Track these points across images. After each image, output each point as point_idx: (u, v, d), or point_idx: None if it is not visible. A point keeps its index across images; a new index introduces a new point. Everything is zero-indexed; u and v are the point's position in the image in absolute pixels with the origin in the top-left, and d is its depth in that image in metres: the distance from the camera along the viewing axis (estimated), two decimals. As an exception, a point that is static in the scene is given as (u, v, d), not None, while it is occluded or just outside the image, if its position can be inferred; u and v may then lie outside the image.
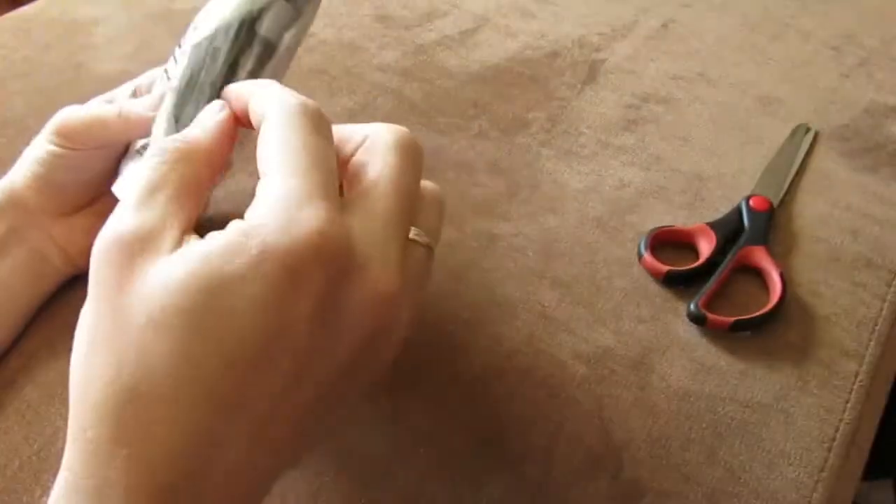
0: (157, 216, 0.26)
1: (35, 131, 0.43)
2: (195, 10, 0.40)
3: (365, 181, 0.27)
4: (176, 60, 0.43)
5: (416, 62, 0.65)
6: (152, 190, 0.27)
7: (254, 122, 0.29)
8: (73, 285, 0.47)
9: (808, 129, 0.59)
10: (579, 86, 0.63)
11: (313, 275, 0.24)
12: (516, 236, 0.51)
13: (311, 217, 0.24)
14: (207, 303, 0.23)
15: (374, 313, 0.26)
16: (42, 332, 0.45)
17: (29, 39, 0.67)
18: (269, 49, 0.34)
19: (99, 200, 0.46)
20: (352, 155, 0.29)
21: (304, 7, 0.36)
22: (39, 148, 0.42)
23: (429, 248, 0.29)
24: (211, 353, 0.23)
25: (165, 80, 0.43)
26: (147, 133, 0.42)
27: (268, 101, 0.28)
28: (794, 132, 0.59)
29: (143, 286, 0.24)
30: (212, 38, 0.35)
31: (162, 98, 0.40)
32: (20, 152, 0.44)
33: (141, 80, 0.46)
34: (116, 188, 0.44)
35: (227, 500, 0.25)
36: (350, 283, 0.25)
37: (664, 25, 0.70)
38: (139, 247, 0.25)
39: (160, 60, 0.46)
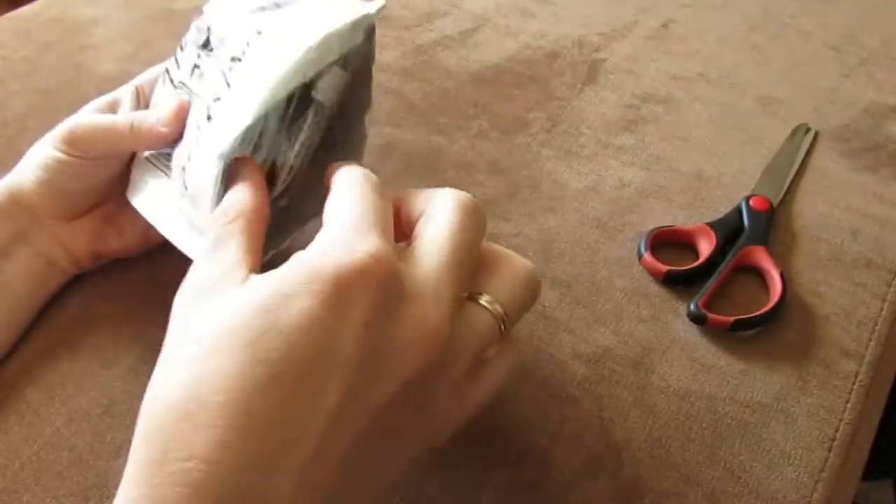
0: (226, 261, 0.28)
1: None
2: (195, 10, 0.40)
3: (424, 235, 0.29)
4: (178, 64, 0.42)
5: (416, 62, 0.65)
6: (217, 246, 0.29)
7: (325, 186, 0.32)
8: (73, 287, 0.47)
9: (808, 129, 0.59)
10: (579, 86, 0.63)
11: (362, 296, 0.25)
12: (516, 236, 0.51)
13: (362, 242, 0.26)
14: (258, 319, 0.25)
15: (421, 349, 0.26)
16: (42, 333, 0.45)
17: (29, 39, 0.67)
18: (323, 109, 0.34)
19: (105, 204, 0.46)
20: (418, 217, 0.31)
21: (358, 68, 0.35)
22: (45, 154, 0.42)
23: (496, 317, 0.29)
24: (259, 368, 0.24)
25: (168, 85, 0.43)
26: (156, 147, 0.41)
27: (340, 168, 0.32)
28: (794, 132, 0.59)
29: (209, 313, 0.26)
30: (264, 104, 0.35)
31: (180, 112, 0.39)
32: (20, 152, 0.44)
33: (142, 79, 0.46)
34: (132, 196, 0.44)
35: None
36: (398, 312, 0.26)
37: (664, 25, 0.70)
38: (209, 284, 0.28)
39: (160, 60, 0.46)
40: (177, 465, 0.23)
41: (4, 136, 0.57)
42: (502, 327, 0.30)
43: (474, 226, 0.30)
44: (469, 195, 0.30)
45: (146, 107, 0.45)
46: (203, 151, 0.37)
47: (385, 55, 0.65)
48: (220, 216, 0.31)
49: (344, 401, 0.25)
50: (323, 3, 0.37)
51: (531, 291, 0.31)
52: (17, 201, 0.43)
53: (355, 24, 0.34)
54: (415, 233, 0.30)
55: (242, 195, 0.32)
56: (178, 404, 0.24)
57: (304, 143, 0.34)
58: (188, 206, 0.39)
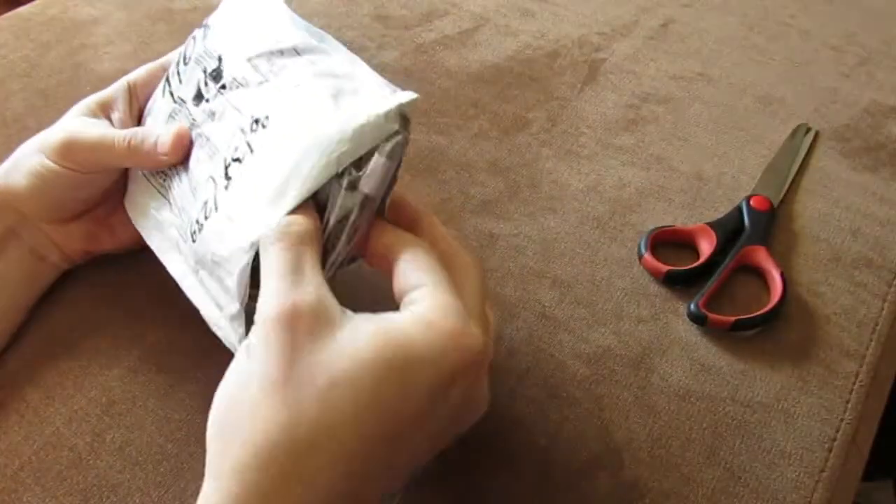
0: (314, 290, 0.30)
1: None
2: (195, 10, 0.40)
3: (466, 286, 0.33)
4: (180, 78, 0.41)
5: (416, 62, 0.65)
6: (296, 269, 0.30)
7: (442, 251, 0.34)
8: (73, 288, 0.47)
9: (808, 129, 0.59)
10: (579, 86, 0.63)
11: (467, 381, 0.30)
12: (516, 236, 0.51)
13: (476, 337, 0.29)
14: (389, 377, 0.28)
15: (484, 391, 0.32)
16: (42, 333, 0.45)
17: (28, 39, 0.67)
18: (369, 201, 0.34)
19: (98, 207, 0.46)
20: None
21: (400, 155, 0.34)
22: (38, 163, 0.41)
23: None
24: (381, 420, 0.28)
25: (167, 97, 0.42)
26: (156, 169, 0.41)
27: (404, 249, 0.33)
28: (794, 132, 0.59)
29: (324, 352, 0.28)
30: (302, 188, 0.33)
31: (180, 142, 0.39)
32: (20, 152, 0.44)
33: (136, 75, 0.45)
34: (131, 213, 0.43)
35: None
36: (478, 390, 0.32)
37: (664, 25, 0.70)
38: (312, 317, 0.29)
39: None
40: (288, 494, 0.27)
41: (4, 136, 0.57)
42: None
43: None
44: (478, 264, 0.34)
45: (140, 107, 0.45)
46: (230, 222, 0.35)
47: (385, 55, 0.65)
48: (281, 238, 0.31)
49: (418, 454, 0.30)
50: (346, 69, 0.36)
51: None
52: (7, 202, 0.42)
53: (388, 116, 0.33)
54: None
55: (297, 221, 0.32)
56: (303, 438, 0.27)
57: (350, 234, 0.34)
58: (189, 254, 0.38)
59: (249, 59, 0.37)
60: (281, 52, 0.37)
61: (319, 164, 0.32)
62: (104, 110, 0.44)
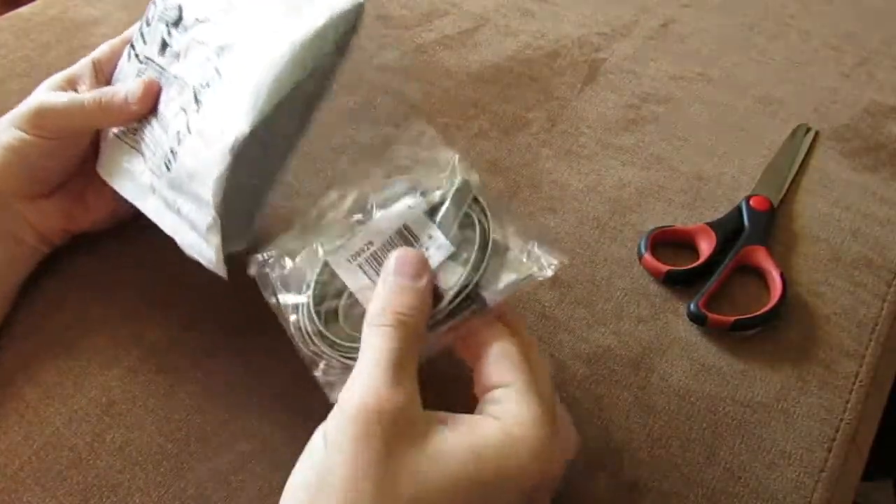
0: (412, 392, 0.29)
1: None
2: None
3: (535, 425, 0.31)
4: (144, 39, 0.42)
5: (416, 62, 0.65)
6: (402, 366, 0.30)
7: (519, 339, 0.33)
8: (72, 288, 0.47)
9: (808, 129, 0.59)
10: (579, 86, 0.63)
11: (546, 492, 0.30)
12: (516, 236, 0.51)
13: (558, 458, 0.30)
14: (475, 496, 0.27)
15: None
16: (41, 333, 0.45)
17: (28, 39, 0.67)
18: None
19: (71, 182, 0.46)
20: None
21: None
22: (11, 135, 0.42)
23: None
24: None
25: (133, 61, 0.43)
26: (125, 123, 0.42)
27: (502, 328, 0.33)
28: (794, 132, 0.59)
29: (410, 463, 0.27)
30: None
31: (150, 90, 0.40)
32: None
33: (100, 52, 0.46)
34: (106, 175, 0.44)
35: None
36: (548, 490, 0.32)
37: (664, 25, 0.70)
38: (407, 421, 0.28)
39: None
40: None
41: (4, 136, 0.57)
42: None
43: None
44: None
45: (106, 81, 0.45)
46: (201, 137, 0.37)
47: (385, 55, 0.65)
48: (399, 326, 0.31)
49: None
50: None
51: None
52: None
53: (349, 11, 0.36)
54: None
55: (414, 305, 0.32)
56: None
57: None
58: (165, 186, 0.39)
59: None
60: None
61: (285, 70, 0.35)
62: (71, 85, 0.44)
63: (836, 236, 0.52)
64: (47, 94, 0.43)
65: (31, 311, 0.46)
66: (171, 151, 0.38)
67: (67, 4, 0.71)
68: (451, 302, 0.33)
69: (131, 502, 0.38)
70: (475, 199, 0.35)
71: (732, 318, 0.45)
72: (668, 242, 0.50)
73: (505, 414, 0.30)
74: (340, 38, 0.38)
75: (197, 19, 0.39)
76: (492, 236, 0.34)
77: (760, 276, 0.49)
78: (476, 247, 0.34)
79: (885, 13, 0.73)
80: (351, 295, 0.34)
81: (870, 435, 0.45)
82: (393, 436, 0.27)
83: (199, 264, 0.39)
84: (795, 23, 0.71)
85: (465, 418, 0.30)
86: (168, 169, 0.38)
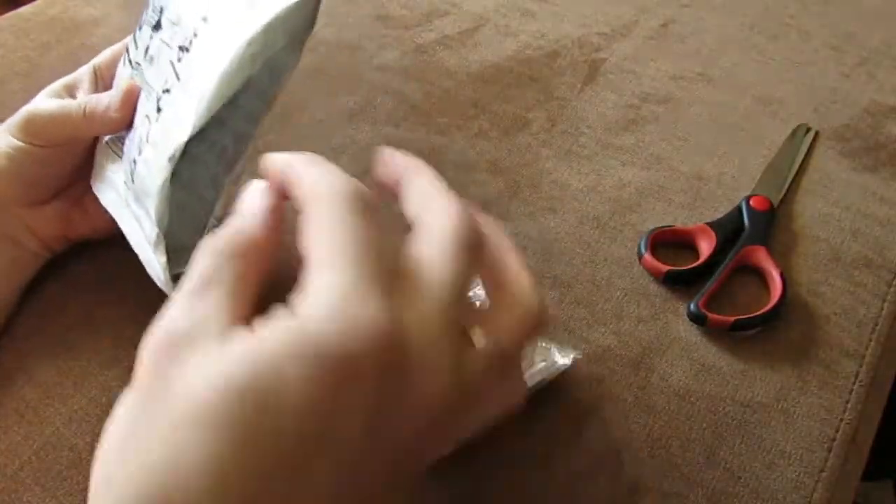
0: (207, 311, 0.24)
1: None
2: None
3: (422, 278, 0.25)
4: (136, 44, 0.42)
5: (416, 62, 0.65)
6: (205, 286, 0.25)
7: (296, 199, 0.27)
8: (72, 288, 0.47)
9: (808, 129, 0.59)
10: (579, 86, 0.63)
11: (367, 382, 0.22)
12: (516, 236, 0.51)
13: (368, 318, 0.22)
14: (245, 404, 0.21)
15: (425, 418, 0.24)
16: (41, 333, 0.45)
17: (28, 39, 0.67)
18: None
19: (70, 188, 0.46)
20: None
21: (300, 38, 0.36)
22: (5, 143, 0.42)
23: (492, 358, 0.27)
24: (245, 460, 0.21)
25: (127, 66, 0.43)
26: (111, 132, 0.42)
27: (316, 182, 0.26)
28: (794, 132, 0.59)
29: (183, 381, 0.22)
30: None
31: (129, 97, 0.40)
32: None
33: (101, 58, 0.46)
34: (93, 182, 0.44)
35: None
36: (402, 387, 0.23)
37: (664, 25, 0.70)
38: (186, 340, 0.23)
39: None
40: None
41: (4, 136, 0.57)
42: (507, 368, 0.28)
43: (474, 263, 0.26)
44: (463, 213, 0.27)
45: (106, 87, 0.45)
46: (154, 148, 0.36)
47: (385, 55, 0.65)
48: (212, 253, 0.26)
49: (336, 493, 0.22)
50: None
51: (535, 333, 0.29)
52: None
53: (300, 4, 0.34)
54: (405, 262, 0.26)
55: (246, 226, 0.27)
56: (157, 485, 0.21)
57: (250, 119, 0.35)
58: (132, 198, 0.39)
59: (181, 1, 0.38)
60: None
61: (230, 70, 0.33)
62: (69, 91, 0.44)
63: (836, 236, 0.52)
64: (40, 100, 0.43)
65: (32, 312, 0.46)
66: (133, 162, 0.37)
67: (67, 4, 0.71)
68: None
69: (131, 502, 0.38)
70: None
71: (732, 318, 0.45)
72: (668, 242, 0.50)
73: (300, 304, 0.23)
74: (295, 32, 0.37)
75: (171, 21, 0.38)
76: None
77: (760, 276, 0.49)
78: None
79: (885, 13, 0.73)
80: None
81: (870, 435, 0.45)
82: (169, 357, 0.23)
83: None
84: (795, 23, 0.71)
85: (265, 321, 0.24)
86: (133, 181, 0.38)
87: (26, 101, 0.60)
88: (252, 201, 0.28)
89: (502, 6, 0.72)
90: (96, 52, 0.65)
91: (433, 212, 0.27)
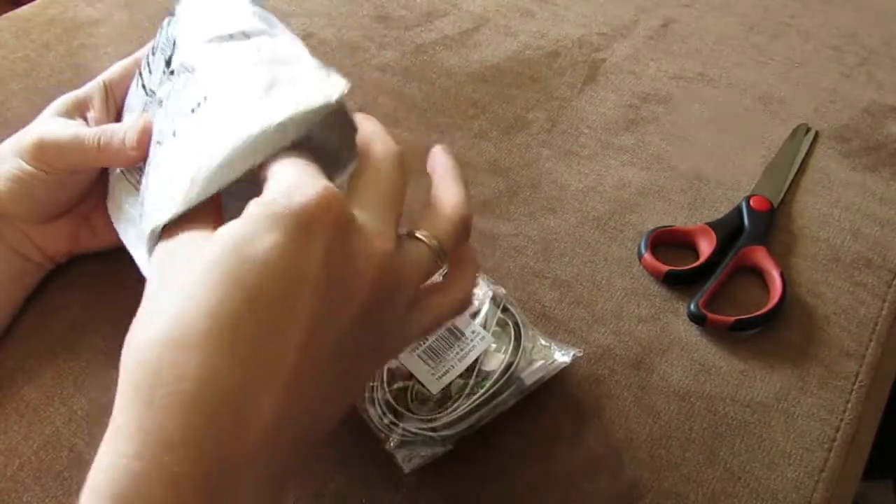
0: (197, 218, 0.30)
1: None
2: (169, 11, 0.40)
3: (362, 182, 0.32)
4: (150, 69, 0.40)
5: (416, 62, 0.65)
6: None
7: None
8: (71, 288, 0.47)
9: (808, 129, 0.59)
10: (579, 86, 0.63)
11: (321, 229, 0.27)
12: (516, 236, 0.51)
13: (316, 183, 0.28)
14: (232, 255, 0.26)
15: (373, 276, 0.28)
16: (41, 333, 0.45)
17: (28, 39, 0.67)
18: None
19: (78, 207, 0.45)
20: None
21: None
22: (15, 165, 0.41)
23: (433, 250, 0.32)
24: (237, 296, 0.26)
25: (140, 90, 0.41)
26: (127, 166, 0.40)
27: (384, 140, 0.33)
28: (794, 132, 0.59)
29: (186, 259, 0.28)
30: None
31: (145, 135, 0.38)
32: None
33: (111, 73, 0.45)
34: (111, 211, 0.43)
35: (262, 472, 0.26)
36: (352, 245, 0.28)
37: (664, 25, 0.70)
38: (184, 238, 0.29)
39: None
40: (169, 388, 0.25)
41: (4, 136, 0.57)
42: (439, 260, 0.32)
43: (403, 176, 0.33)
44: (396, 149, 0.33)
45: (117, 105, 0.44)
46: (144, 207, 0.34)
47: (385, 55, 0.65)
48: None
49: (313, 323, 0.27)
50: (282, 54, 0.34)
51: (466, 226, 0.34)
52: None
53: (315, 111, 0.31)
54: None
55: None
56: (166, 337, 0.26)
57: None
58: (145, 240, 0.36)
59: (198, 44, 0.36)
60: (231, 37, 0.35)
61: (233, 157, 0.30)
62: (80, 110, 0.43)
63: (836, 236, 0.52)
64: (51, 122, 0.42)
65: (33, 312, 0.46)
66: (142, 205, 0.35)
67: (67, 4, 0.71)
68: (495, 382, 0.40)
69: (131, 502, 0.38)
70: (505, 308, 0.43)
71: (732, 318, 0.45)
72: (668, 242, 0.50)
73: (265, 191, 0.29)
74: (312, 130, 0.32)
75: (183, 65, 0.35)
76: (523, 332, 0.42)
77: (760, 276, 0.49)
78: (511, 338, 0.42)
79: (885, 13, 0.73)
80: (412, 376, 0.40)
81: (870, 435, 0.45)
82: (183, 251, 0.28)
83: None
84: (795, 23, 0.71)
85: None
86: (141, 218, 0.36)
87: (26, 100, 0.60)
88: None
89: (502, 6, 0.72)
90: (96, 52, 0.65)
91: (369, 148, 0.33)
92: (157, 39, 0.41)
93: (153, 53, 0.41)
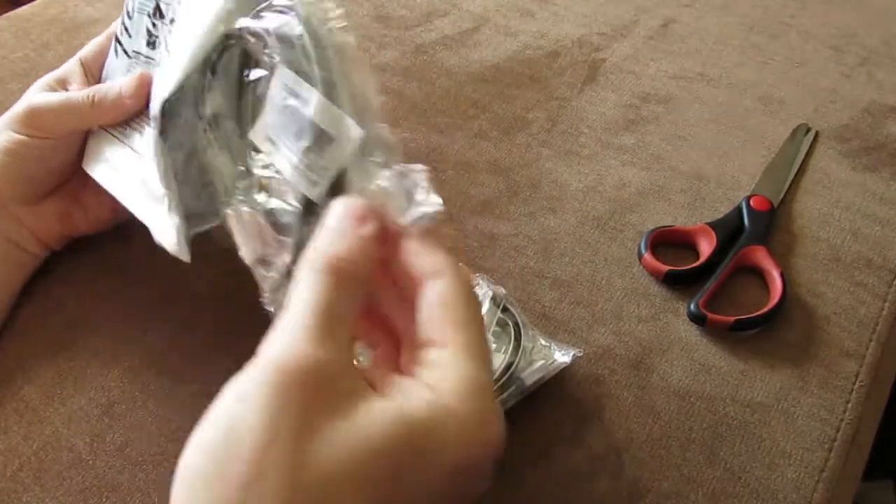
0: (345, 351, 0.26)
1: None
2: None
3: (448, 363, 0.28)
4: (129, 33, 0.42)
5: (416, 62, 0.65)
6: (333, 319, 0.26)
7: (417, 269, 0.29)
8: (71, 288, 0.47)
9: (808, 129, 0.59)
10: (579, 86, 0.63)
11: (483, 467, 0.27)
12: (516, 236, 0.51)
13: (494, 422, 0.27)
14: (403, 472, 0.24)
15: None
16: (40, 333, 0.45)
17: (28, 39, 0.67)
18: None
19: (67, 184, 0.46)
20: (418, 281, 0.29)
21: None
22: (5, 138, 0.42)
23: None
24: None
25: (122, 56, 0.43)
26: (120, 119, 0.42)
27: (443, 260, 0.29)
28: (794, 132, 0.59)
29: (330, 432, 0.24)
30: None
31: (143, 82, 0.40)
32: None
33: (86, 52, 0.46)
34: (88, 166, 0.44)
35: None
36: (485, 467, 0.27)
37: (664, 25, 0.70)
38: (325, 388, 0.25)
39: (160, 60, 0.46)
40: None
41: (4, 136, 0.57)
42: None
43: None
44: (468, 280, 0.29)
45: (95, 80, 0.45)
46: (152, 105, 0.38)
47: (385, 55, 0.65)
48: (334, 268, 0.27)
49: None
50: None
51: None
52: None
53: None
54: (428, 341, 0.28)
55: (365, 261, 0.28)
56: None
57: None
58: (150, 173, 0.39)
59: None
60: None
61: (207, 29, 0.35)
62: (62, 86, 0.44)
63: (836, 236, 0.52)
64: (39, 94, 0.43)
65: (32, 312, 0.46)
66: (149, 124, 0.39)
67: (67, 4, 0.71)
68: (495, 383, 0.39)
69: (131, 502, 0.38)
70: (504, 308, 0.43)
71: (732, 318, 0.45)
72: (668, 242, 0.50)
73: (440, 382, 0.26)
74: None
75: (168, 4, 0.39)
76: (523, 332, 0.42)
77: (760, 276, 0.49)
78: (511, 338, 0.41)
79: (885, 13, 0.73)
80: None
81: (870, 435, 0.45)
82: (314, 401, 0.24)
83: (199, 267, 0.39)
84: (795, 23, 0.71)
85: (398, 383, 0.27)
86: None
87: (26, 101, 0.60)
88: (366, 232, 0.29)
89: (502, 6, 0.72)
90: (96, 52, 0.65)
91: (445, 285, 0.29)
92: (129, 5, 0.42)
93: (129, 17, 0.42)
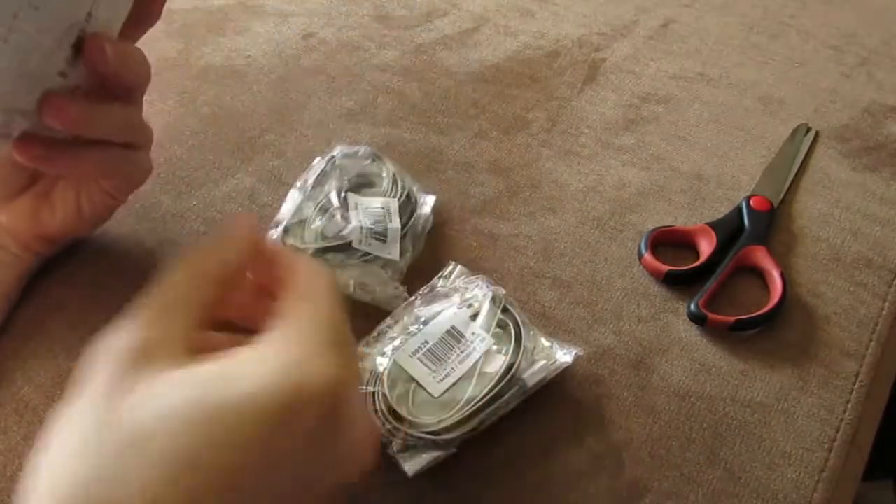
0: (164, 333, 0.27)
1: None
2: (194, 10, 0.40)
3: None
4: None
5: (416, 62, 0.65)
6: (167, 309, 0.28)
7: (279, 267, 0.31)
8: (71, 288, 0.47)
9: (808, 129, 0.59)
10: (579, 86, 0.63)
11: (318, 414, 0.26)
12: (516, 236, 0.51)
13: (316, 368, 0.26)
14: (202, 434, 0.24)
15: (364, 461, 0.29)
16: (40, 333, 0.45)
17: None
18: None
19: (38, 182, 0.45)
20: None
21: None
22: None
23: None
24: (201, 485, 0.23)
25: None
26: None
27: (297, 260, 0.31)
28: (794, 132, 0.59)
29: (133, 401, 0.24)
30: None
31: None
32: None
33: None
34: None
35: None
36: (341, 434, 0.27)
37: (664, 25, 0.70)
38: (139, 357, 0.26)
39: (158, 61, 0.46)
40: None
41: (4, 136, 0.57)
42: None
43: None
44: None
45: None
46: None
47: (385, 55, 0.65)
48: (196, 269, 0.30)
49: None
50: None
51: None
52: None
53: None
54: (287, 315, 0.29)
55: (234, 260, 0.31)
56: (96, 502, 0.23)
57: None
58: None
59: None
60: None
61: None
62: None
63: (836, 236, 0.52)
64: None
65: (32, 312, 0.46)
66: None
67: None
68: (497, 383, 0.40)
69: (131, 502, 0.38)
70: (505, 308, 0.43)
71: (732, 318, 0.45)
72: (668, 242, 0.50)
73: (256, 342, 0.27)
74: None
75: None
76: (523, 333, 0.42)
77: (760, 276, 0.49)
78: (512, 339, 0.42)
79: (885, 13, 0.73)
80: (413, 380, 0.40)
81: (870, 435, 0.45)
82: (129, 370, 0.25)
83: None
84: (795, 23, 0.71)
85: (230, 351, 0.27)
86: None
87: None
88: (242, 237, 0.32)
89: (502, 6, 0.72)
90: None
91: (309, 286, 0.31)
92: None
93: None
